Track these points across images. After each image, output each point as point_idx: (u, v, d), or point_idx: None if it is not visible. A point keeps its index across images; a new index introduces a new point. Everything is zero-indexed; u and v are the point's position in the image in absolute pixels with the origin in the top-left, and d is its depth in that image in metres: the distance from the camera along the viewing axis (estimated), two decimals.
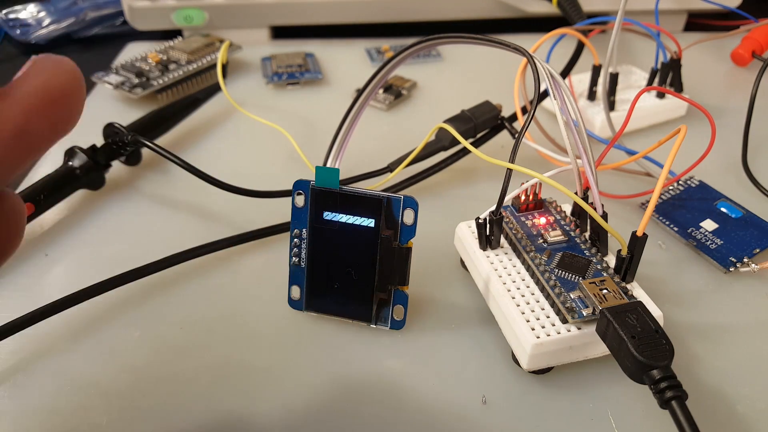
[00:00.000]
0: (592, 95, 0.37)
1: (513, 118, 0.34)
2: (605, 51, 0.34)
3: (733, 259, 0.27)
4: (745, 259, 0.27)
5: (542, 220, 0.26)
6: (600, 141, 0.34)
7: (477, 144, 0.33)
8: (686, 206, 0.30)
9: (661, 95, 0.37)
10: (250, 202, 0.30)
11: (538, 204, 0.26)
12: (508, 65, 0.41)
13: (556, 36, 0.34)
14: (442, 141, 0.32)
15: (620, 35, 0.33)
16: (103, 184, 0.32)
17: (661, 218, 0.30)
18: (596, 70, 0.36)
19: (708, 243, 0.28)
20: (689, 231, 0.29)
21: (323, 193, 0.24)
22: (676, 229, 0.29)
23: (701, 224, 0.29)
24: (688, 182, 0.32)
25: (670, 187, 0.32)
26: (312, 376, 0.23)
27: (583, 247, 0.24)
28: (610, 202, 0.31)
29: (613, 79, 0.36)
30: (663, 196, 0.31)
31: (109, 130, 0.33)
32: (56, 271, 0.28)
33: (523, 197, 0.26)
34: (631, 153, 0.33)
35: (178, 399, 0.22)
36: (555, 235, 0.25)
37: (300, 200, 0.24)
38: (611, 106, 0.36)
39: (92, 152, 0.32)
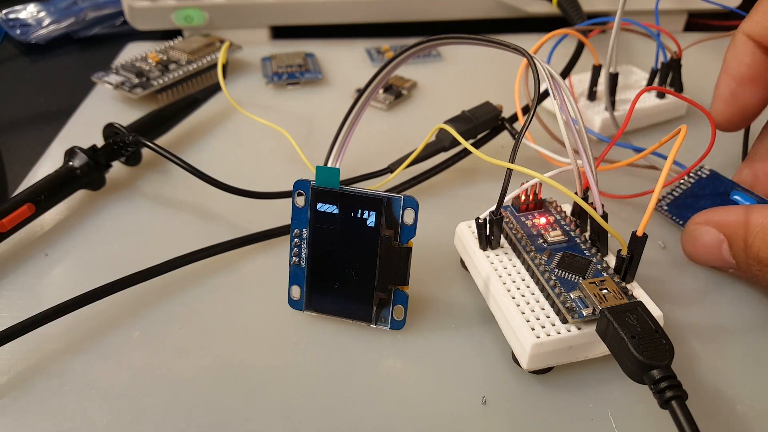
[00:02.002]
0: (592, 95, 0.37)
1: (513, 118, 0.34)
2: (605, 51, 0.34)
3: None
4: None
5: (542, 220, 0.26)
6: (602, 139, 0.34)
7: (477, 144, 0.33)
8: (698, 201, 0.29)
9: (661, 95, 0.37)
10: (250, 203, 0.30)
11: (538, 204, 0.26)
12: (508, 65, 0.41)
13: (558, 36, 0.34)
14: (442, 141, 0.32)
15: (620, 35, 0.33)
16: (103, 184, 0.32)
17: (674, 217, 0.29)
18: (596, 70, 0.36)
19: None
20: None
21: (323, 193, 0.24)
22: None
23: None
24: (699, 173, 0.31)
25: (681, 181, 0.31)
26: (312, 376, 0.23)
27: (583, 247, 0.24)
28: (610, 202, 0.31)
29: (613, 79, 0.36)
30: (674, 192, 0.30)
31: (109, 130, 0.33)
32: (56, 272, 0.28)
33: (523, 197, 0.26)
34: (636, 150, 0.32)
35: (178, 399, 0.22)
36: (555, 235, 0.25)
37: (300, 200, 0.24)
38: (611, 106, 0.36)
39: (92, 152, 0.32)
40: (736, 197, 0.29)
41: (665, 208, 0.30)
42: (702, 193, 0.30)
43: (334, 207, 0.24)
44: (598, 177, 0.24)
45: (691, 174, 0.31)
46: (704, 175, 0.31)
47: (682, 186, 0.31)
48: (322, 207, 0.24)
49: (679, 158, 0.31)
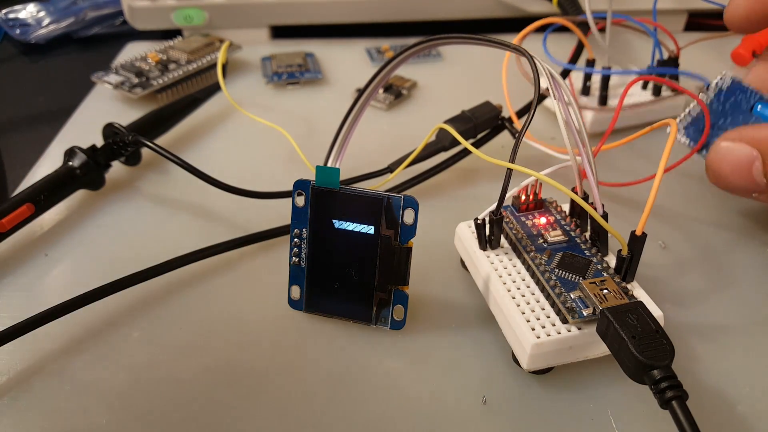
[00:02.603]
0: (586, 90, 0.37)
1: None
2: (604, 48, 0.34)
3: None
4: None
5: (542, 220, 0.26)
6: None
7: (477, 144, 0.33)
8: (719, 121, 0.27)
9: (657, 93, 0.37)
10: (249, 203, 0.30)
11: (538, 204, 0.26)
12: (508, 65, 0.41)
13: (542, 26, 0.34)
14: (442, 141, 0.32)
15: (620, 34, 0.33)
16: (103, 184, 0.32)
17: (691, 143, 0.27)
18: (590, 65, 0.36)
19: None
20: None
21: (324, 193, 0.24)
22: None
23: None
24: (718, 84, 0.27)
25: (701, 95, 0.27)
26: (312, 376, 0.23)
27: (583, 247, 0.24)
28: (611, 202, 0.31)
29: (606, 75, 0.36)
30: (692, 112, 0.28)
31: (109, 130, 0.33)
32: (56, 272, 0.28)
33: (523, 197, 0.26)
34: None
35: (177, 399, 0.22)
36: (555, 235, 0.25)
37: (300, 200, 0.24)
38: (603, 101, 0.36)
39: (92, 152, 0.31)
40: (759, 106, 0.26)
41: (682, 131, 0.28)
42: (723, 109, 0.27)
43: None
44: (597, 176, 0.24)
45: (706, 89, 0.28)
46: (724, 88, 0.28)
47: (697, 106, 0.28)
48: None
49: (674, 155, 0.31)
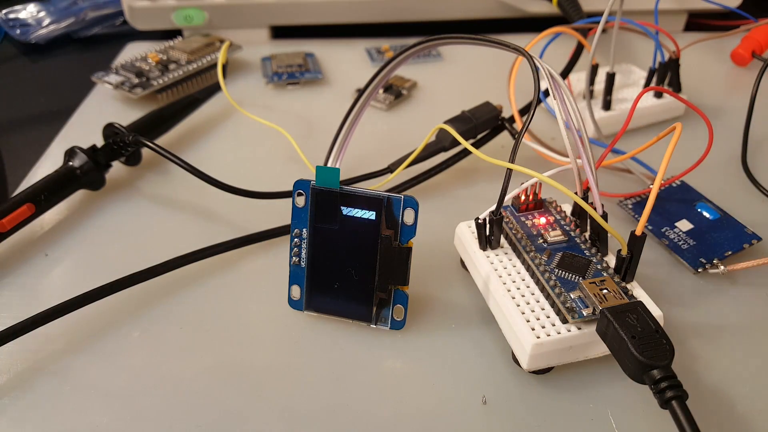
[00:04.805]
0: (590, 94, 0.37)
1: (513, 118, 0.34)
2: (604, 50, 0.34)
3: (703, 260, 0.27)
4: (715, 261, 0.27)
5: (542, 220, 0.26)
6: (593, 143, 0.34)
7: (477, 144, 0.33)
8: (664, 206, 0.30)
9: (659, 94, 0.37)
10: (249, 203, 0.30)
11: (538, 204, 0.26)
12: (508, 65, 0.41)
13: (552, 34, 0.34)
14: (442, 142, 0.32)
15: (620, 35, 0.33)
16: (103, 184, 0.32)
17: (636, 216, 0.30)
18: (593, 69, 0.36)
19: (680, 243, 0.28)
20: (663, 230, 0.29)
21: (324, 193, 0.24)
22: (650, 227, 0.29)
23: (676, 224, 0.29)
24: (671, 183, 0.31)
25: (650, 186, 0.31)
26: (312, 376, 0.23)
27: (583, 247, 0.24)
28: (610, 202, 0.31)
29: (610, 78, 0.36)
30: (641, 195, 0.31)
31: (109, 130, 0.33)
32: (56, 272, 0.28)
33: (523, 197, 0.26)
34: (619, 153, 0.32)
35: (177, 399, 0.22)
36: (555, 235, 0.25)
37: (300, 200, 0.24)
38: (607, 105, 0.36)
39: (92, 152, 0.32)
40: (701, 209, 0.30)
41: (630, 206, 0.30)
42: (670, 199, 0.31)
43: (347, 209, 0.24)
44: (598, 176, 0.24)
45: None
46: (675, 185, 0.32)
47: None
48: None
49: (675, 157, 0.31)
